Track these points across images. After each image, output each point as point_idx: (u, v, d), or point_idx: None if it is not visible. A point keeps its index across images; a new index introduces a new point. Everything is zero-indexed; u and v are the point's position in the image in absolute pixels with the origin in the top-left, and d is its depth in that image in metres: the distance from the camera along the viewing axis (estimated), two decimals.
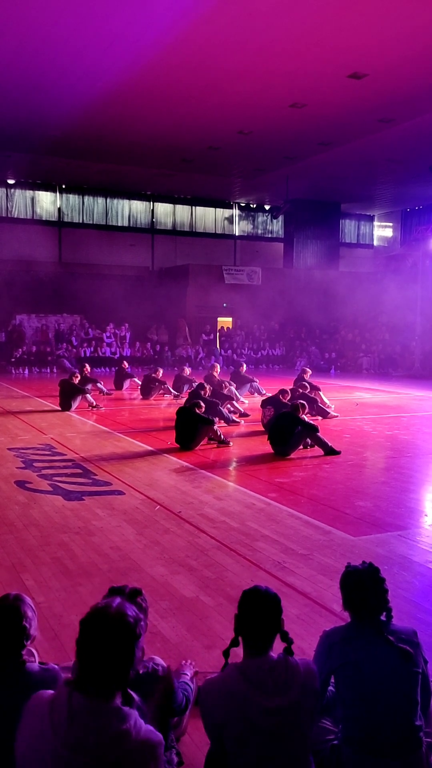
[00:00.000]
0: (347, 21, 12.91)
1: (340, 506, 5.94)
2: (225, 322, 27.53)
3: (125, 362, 17.56)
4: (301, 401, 8.85)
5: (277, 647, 2.24)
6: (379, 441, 9.39)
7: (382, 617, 2.36)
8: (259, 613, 2.17)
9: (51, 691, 1.80)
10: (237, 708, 2.07)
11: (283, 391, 10.15)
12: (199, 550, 4.82)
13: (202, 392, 10.00)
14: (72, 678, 1.78)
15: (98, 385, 14.46)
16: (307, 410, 8.67)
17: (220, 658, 3.30)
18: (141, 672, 2.29)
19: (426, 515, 5.83)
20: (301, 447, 8.32)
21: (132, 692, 1.81)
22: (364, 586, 2.35)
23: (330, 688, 2.42)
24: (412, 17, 12.72)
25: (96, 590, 4.10)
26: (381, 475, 7.23)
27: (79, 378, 13.02)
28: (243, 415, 11.61)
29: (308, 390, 11.14)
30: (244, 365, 15.54)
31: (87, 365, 15.29)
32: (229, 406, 11.66)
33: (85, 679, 1.74)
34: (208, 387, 10.82)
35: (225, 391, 11.99)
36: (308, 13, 12.55)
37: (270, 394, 10.71)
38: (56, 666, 2.77)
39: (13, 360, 21.50)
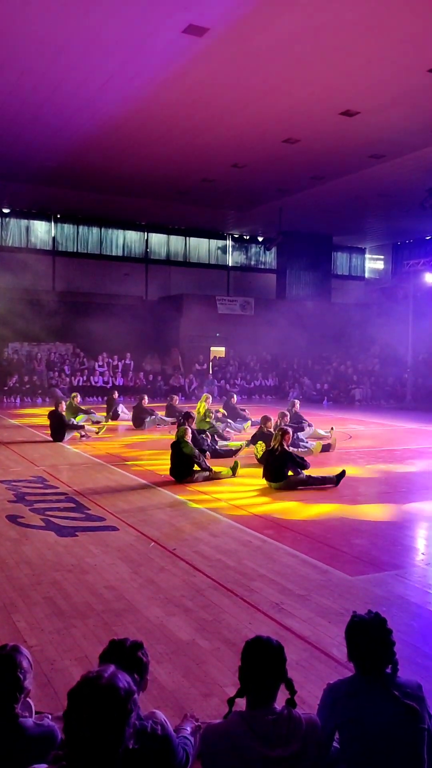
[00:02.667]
0: (340, 61, 13.25)
1: (337, 544, 5.88)
2: (218, 351, 27.62)
3: (116, 392, 17.47)
4: (285, 427, 8.85)
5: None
6: (373, 475, 9.35)
7: (387, 670, 2.30)
8: (262, 664, 2.14)
9: (43, 767, 1.68)
10: (238, 756, 2.04)
11: (265, 419, 10.19)
12: (195, 590, 4.74)
13: (188, 422, 9.93)
14: (60, 752, 1.66)
15: (91, 416, 14.38)
16: (291, 438, 8.67)
17: (219, 707, 3.25)
18: (139, 729, 2.21)
19: (422, 554, 5.77)
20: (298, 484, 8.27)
21: None
22: (370, 638, 2.29)
23: (334, 744, 2.35)
24: (402, 58, 13.08)
25: (90, 633, 4.01)
26: (376, 511, 7.17)
27: (65, 406, 12.91)
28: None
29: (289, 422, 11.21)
30: (235, 396, 15.52)
31: (78, 395, 15.21)
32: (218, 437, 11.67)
33: (72, 756, 1.61)
34: (193, 417, 10.81)
35: (213, 420, 11.99)
36: (302, 52, 12.87)
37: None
38: (51, 721, 2.69)
39: (6, 389, 21.41)
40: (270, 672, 2.12)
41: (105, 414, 15.87)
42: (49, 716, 2.74)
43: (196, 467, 8.63)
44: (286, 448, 8.29)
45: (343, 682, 2.34)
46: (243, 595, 4.65)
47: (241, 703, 2.26)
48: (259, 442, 9.82)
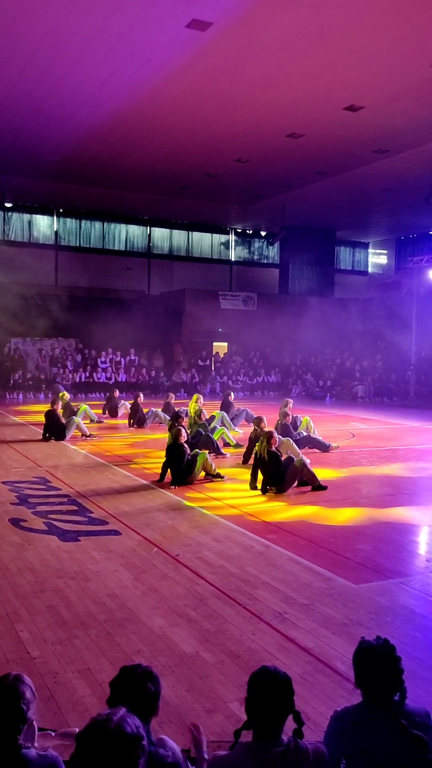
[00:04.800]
0: (344, 56, 13.14)
1: (341, 549, 5.85)
2: (220, 347, 27.56)
3: (116, 390, 17.32)
4: (270, 430, 8.69)
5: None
6: (377, 476, 9.31)
7: (395, 697, 2.27)
8: (269, 698, 2.10)
9: None
10: None
11: (258, 420, 9.92)
12: (198, 598, 4.71)
13: (180, 421, 9.82)
14: None
15: (87, 412, 14.27)
16: (277, 440, 8.49)
17: (223, 724, 3.23)
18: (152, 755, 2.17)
19: (428, 560, 5.73)
20: (296, 484, 8.23)
21: None
22: (378, 665, 2.26)
23: None
24: (406, 53, 12.97)
25: (92, 644, 3.99)
26: (380, 515, 7.14)
27: (60, 406, 12.80)
28: (237, 446, 11.51)
29: (290, 420, 11.09)
30: (233, 393, 15.33)
31: (66, 394, 14.96)
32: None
33: None
34: (185, 416, 10.74)
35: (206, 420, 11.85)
36: (306, 47, 12.75)
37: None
38: (55, 737, 2.66)
39: (11, 384, 21.38)
40: (277, 705, 2.09)
41: (102, 411, 15.81)
42: (53, 733, 2.72)
43: (198, 464, 8.58)
44: (272, 450, 8.17)
45: (349, 711, 2.30)
46: (246, 604, 4.62)
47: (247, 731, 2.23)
48: (257, 444, 9.74)
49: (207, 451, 9.12)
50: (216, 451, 10.40)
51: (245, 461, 9.78)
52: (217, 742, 3.06)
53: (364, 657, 2.31)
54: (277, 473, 8.06)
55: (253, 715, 2.09)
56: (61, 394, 14.14)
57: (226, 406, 14.05)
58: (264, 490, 8.05)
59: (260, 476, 8.26)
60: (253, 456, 8.87)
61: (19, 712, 2.08)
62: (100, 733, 1.65)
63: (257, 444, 8.44)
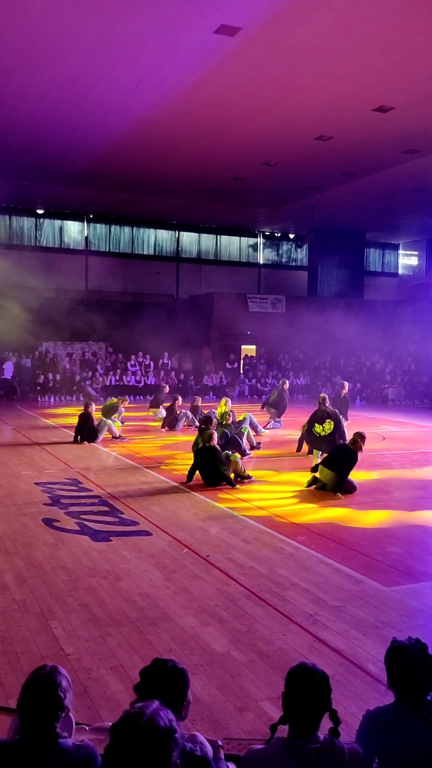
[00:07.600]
0: (373, 57, 13.07)
1: (371, 552, 5.82)
2: (249, 350, 27.57)
3: (166, 387, 17.26)
4: (362, 432, 8.42)
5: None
6: (407, 479, 9.24)
7: (429, 697, 2.27)
8: (306, 694, 2.11)
9: None
10: None
11: (324, 399, 10.10)
12: (228, 598, 4.74)
13: (211, 425, 9.82)
14: None
15: (115, 416, 14.33)
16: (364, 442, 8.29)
17: (254, 722, 3.25)
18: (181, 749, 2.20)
19: None
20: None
21: None
22: (411, 665, 2.26)
23: None
24: None
25: (125, 642, 4.05)
26: (412, 518, 7.08)
27: (93, 409, 12.84)
28: (254, 447, 11.55)
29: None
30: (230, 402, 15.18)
31: (126, 399, 15.13)
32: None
33: None
34: (215, 420, 10.75)
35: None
36: (335, 49, 12.73)
37: None
38: (90, 731, 2.72)
39: (38, 387, 21.71)
40: (314, 702, 2.10)
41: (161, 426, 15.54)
42: (87, 727, 2.78)
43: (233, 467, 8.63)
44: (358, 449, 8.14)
45: (382, 710, 2.31)
46: (276, 605, 4.64)
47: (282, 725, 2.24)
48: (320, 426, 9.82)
49: (238, 454, 9.16)
50: (242, 452, 10.42)
51: (299, 449, 10.06)
52: (248, 740, 3.08)
53: (397, 656, 2.31)
54: (345, 469, 8.02)
55: (290, 710, 2.10)
56: (121, 399, 14.45)
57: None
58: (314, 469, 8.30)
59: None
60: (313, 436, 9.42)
61: (57, 699, 2.14)
62: (132, 726, 1.67)
63: (320, 425, 8.48)
